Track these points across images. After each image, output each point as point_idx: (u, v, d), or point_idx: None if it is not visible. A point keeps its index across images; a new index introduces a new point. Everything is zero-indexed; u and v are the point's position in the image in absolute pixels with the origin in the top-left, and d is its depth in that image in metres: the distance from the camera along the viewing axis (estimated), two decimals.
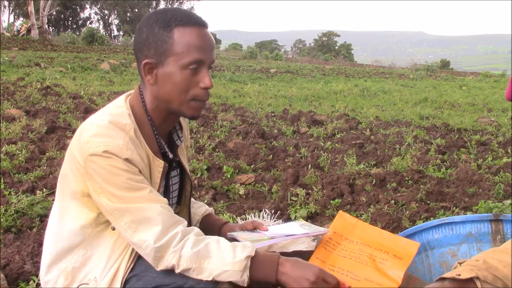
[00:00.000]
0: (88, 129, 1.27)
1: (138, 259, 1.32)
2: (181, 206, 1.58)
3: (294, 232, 1.47)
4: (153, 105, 1.34)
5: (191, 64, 1.26)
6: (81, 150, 1.25)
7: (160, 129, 1.38)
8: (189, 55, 1.26)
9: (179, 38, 1.26)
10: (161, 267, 1.23)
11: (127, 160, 1.23)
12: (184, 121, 1.55)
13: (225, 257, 1.21)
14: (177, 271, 1.22)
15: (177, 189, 1.53)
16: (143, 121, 1.34)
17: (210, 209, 1.69)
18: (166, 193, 1.47)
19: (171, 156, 1.41)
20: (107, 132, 1.25)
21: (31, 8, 26.82)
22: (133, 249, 1.30)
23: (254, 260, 1.22)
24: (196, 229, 1.28)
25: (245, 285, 1.21)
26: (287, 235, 1.46)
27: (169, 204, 1.49)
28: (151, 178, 1.34)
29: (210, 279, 1.21)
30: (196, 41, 1.27)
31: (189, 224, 1.62)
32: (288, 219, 3.10)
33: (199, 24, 1.29)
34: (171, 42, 1.26)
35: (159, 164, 1.35)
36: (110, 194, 1.23)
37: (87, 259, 1.32)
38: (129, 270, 1.30)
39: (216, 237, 1.28)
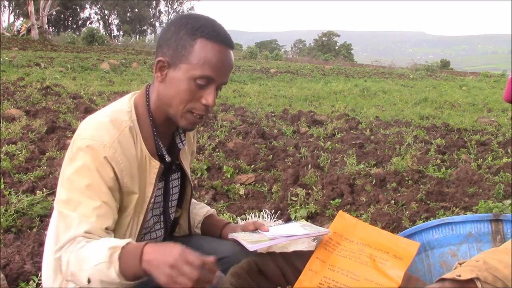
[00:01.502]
0: (84, 123, 1.29)
1: None
2: (182, 209, 1.59)
3: (295, 233, 1.47)
4: (156, 104, 1.34)
5: (200, 78, 1.25)
6: (73, 142, 1.27)
7: (161, 129, 1.37)
8: (201, 69, 1.25)
9: (199, 50, 1.24)
10: (62, 275, 1.22)
11: (105, 158, 1.23)
12: None
13: (98, 253, 1.12)
14: (67, 278, 1.19)
15: (178, 192, 1.53)
16: (144, 120, 1.34)
17: (212, 210, 1.69)
18: (165, 195, 1.47)
19: (168, 159, 1.40)
20: (98, 126, 1.26)
21: (31, 8, 26.81)
22: None
23: (123, 253, 1.11)
24: (95, 237, 1.20)
25: (118, 281, 1.10)
26: (288, 236, 1.45)
27: (169, 207, 1.49)
28: (146, 179, 1.34)
29: (87, 283, 1.12)
30: (213, 58, 1.25)
31: (190, 225, 1.63)
32: (288, 219, 3.10)
33: (224, 43, 1.27)
34: (190, 50, 1.25)
35: (155, 165, 1.34)
36: (62, 193, 1.25)
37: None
38: None
39: (100, 239, 1.19)
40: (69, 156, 1.27)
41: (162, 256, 1.06)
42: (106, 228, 1.22)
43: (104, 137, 1.24)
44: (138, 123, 1.32)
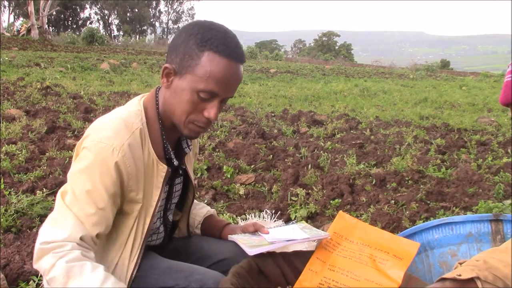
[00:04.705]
0: (95, 122, 1.28)
1: (142, 259, 1.32)
2: (182, 213, 1.59)
3: (295, 237, 1.47)
4: (163, 109, 1.32)
5: (204, 92, 1.22)
6: (83, 140, 1.25)
7: (169, 133, 1.36)
8: (206, 83, 1.21)
9: (205, 62, 1.20)
10: (37, 266, 1.16)
11: (116, 164, 1.20)
12: None
13: (93, 282, 1.10)
14: (45, 277, 1.14)
15: (179, 196, 1.52)
16: (154, 123, 1.32)
17: (212, 211, 1.69)
18: (168, 199, 1.46)
19: (176, 163, 1.39)
20: (108, 128, 1.24)
21: (31, 8, 26.80)
22: (131, 247, 1.30)
23: None
24: (88, 256, 1.18)
25: None
26: (288, 240, 1.45)
27: (168, 209, 1.48)
28: (153, 183, 1.32)
29: None
30: (219, 73, 1.20)
31: (188, 228, 1.63)
32: (288, 219, 3.10)
33: (232, 57, 1.22)
34: (197, 61, 1.21)
35: (162, 169, 1.32)
36: (67, 185, 1.22)
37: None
38: (135, 269, 1.30)
39: (97, 264, 1.16)
40: (76, 152, 1.27)
41: None
42: (97, 235, 1.19)
43: (114, 140, 1.21)
44: (148, 126, 1.30)
